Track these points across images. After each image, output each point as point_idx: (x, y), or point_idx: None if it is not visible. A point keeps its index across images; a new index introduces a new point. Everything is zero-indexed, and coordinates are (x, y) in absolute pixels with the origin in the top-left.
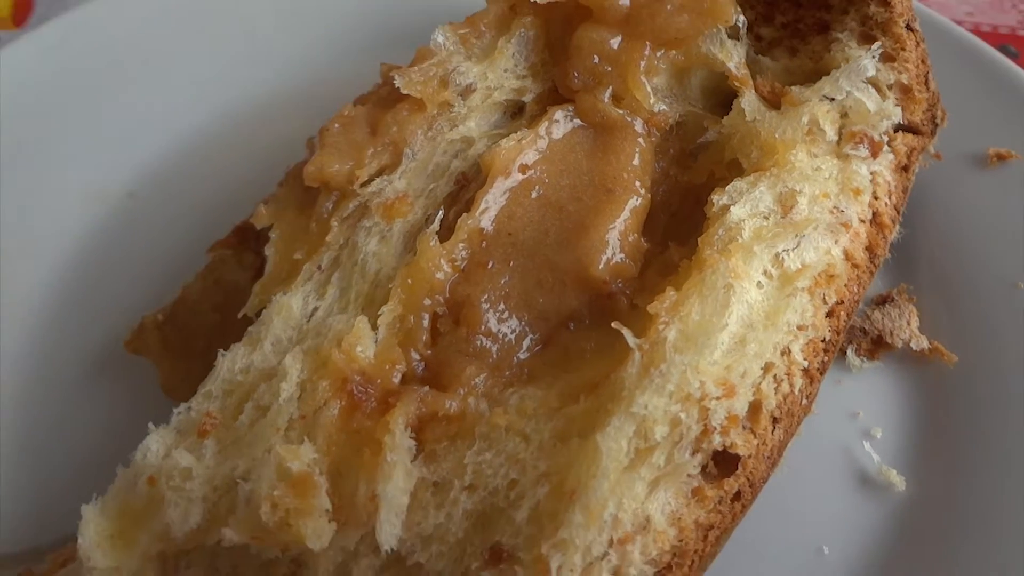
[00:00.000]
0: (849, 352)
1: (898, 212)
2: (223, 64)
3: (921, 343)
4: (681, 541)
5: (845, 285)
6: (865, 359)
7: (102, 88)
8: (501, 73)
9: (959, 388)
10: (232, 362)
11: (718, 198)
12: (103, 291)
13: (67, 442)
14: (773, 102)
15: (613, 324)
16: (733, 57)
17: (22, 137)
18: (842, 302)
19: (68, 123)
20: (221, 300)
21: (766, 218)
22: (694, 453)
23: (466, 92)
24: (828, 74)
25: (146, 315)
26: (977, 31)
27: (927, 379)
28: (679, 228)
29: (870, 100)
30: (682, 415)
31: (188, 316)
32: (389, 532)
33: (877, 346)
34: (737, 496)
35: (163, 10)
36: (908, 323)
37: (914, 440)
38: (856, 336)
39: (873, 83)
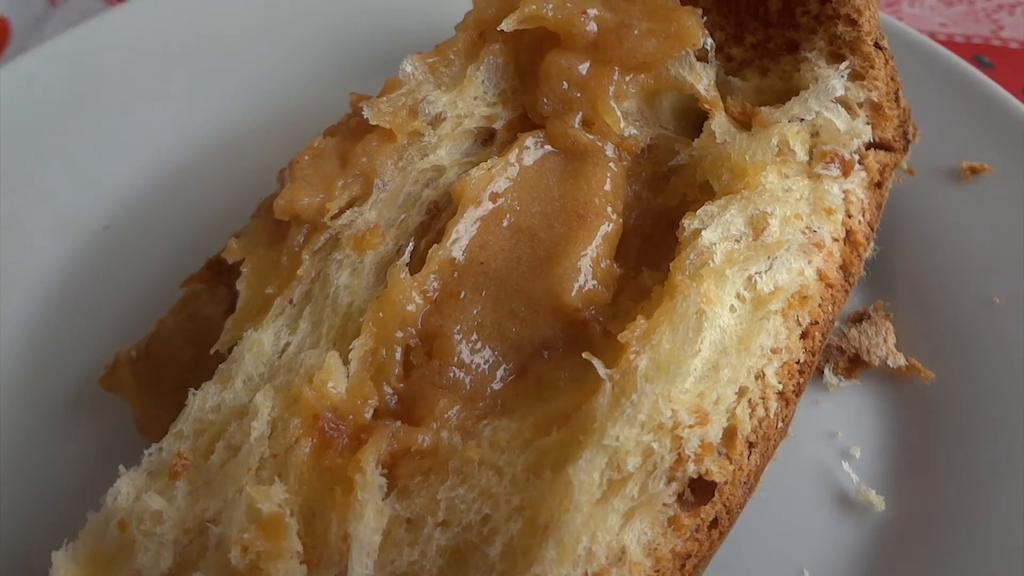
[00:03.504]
0: (826, 371)
1: (872, 229)
2: (195, 96)
3: (898, 360)
4: (658, 571)
5: (819, 306)
6: (842, 378)
7: (76, 121)
8: (471, 101)
9: (937, 405)
10: (203, 400)
11: (689, 223)
12: (76, 326)
13: (40, 483)
14: (744, 123)
15: (584, 355)
16: (702, 80)
17: None
18: (816, 323)
19: (42, 156)
20: (195, 335)
21: (737, 241)
22: (669, 482)
23: (436, 121)
24: (799, 93)
25: (120, 351)
26: (951, 42)
27: (905, 396)
28: (653, 252)
29: (840, 119)
30: (654, 445)
31: (162, 351)
32: (361, 573)
33: (854, 364)
34: (714, 523)
35: (135, 43)
36: (885, 340)
37: (893, 459)
38: (833, 355)
39: (843, 102)
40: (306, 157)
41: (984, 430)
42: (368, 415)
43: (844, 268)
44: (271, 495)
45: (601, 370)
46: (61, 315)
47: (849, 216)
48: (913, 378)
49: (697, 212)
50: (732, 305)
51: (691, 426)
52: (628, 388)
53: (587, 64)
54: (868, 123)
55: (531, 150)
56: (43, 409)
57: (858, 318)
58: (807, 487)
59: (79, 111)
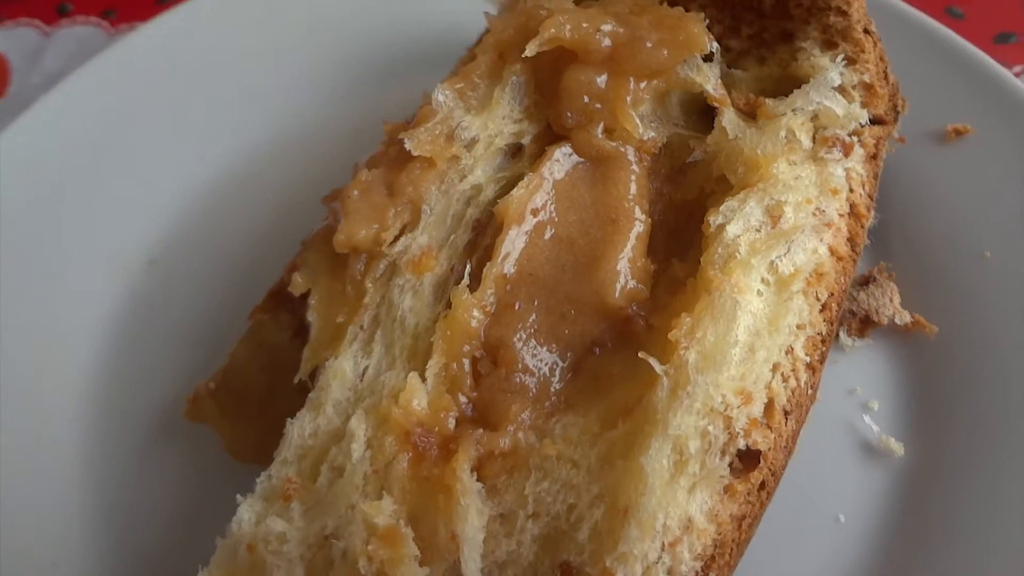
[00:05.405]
0: (841, 334)
1: (872, 199)
2: (223, 119)
3: (904, 318)
4: (720, 534)
5: (835, 280)
6: (856, 338)
7: (105, 158)
8: (499, 121)
9: (942, 355)
10: (301, 428)
11: (714, 219)
12: (146, 365)
13: (147, 517)
14: (750, 113)
15: (640, 354)
16: (710, 79)
17: (34, 219)
18: (832, 294)
19: (76, 197)
20: (266, 362)
21: (758, 230)
22: (722, 456)
23: (470, 144)
24: (797, 79)
25: (199, 384)
26: None
27: (913, 350)
28: (678, 242)
29: (838, 106)
30: (710, 428)
31: (238, 381)
32: (473, 568)
33: (865, 324)
34: (762, 486)
35: (155, 72)
36: (891, 300)
37: (908, 408)
38: (846, 318)
39: (839, 88)
40: (355, 192)
41: (987, 373)
42: (451, 425)
43: (851, 240)
44: (383, 509)
45: (657, 367)
46: (128, 355)
47: (851, 191)
48: (919, 332)
49: (720, 208)
50: (759, 290)
51: (739, 407)
52: (682, 380)
53: (604, 77)
54: (863, 104)
55: (561, 162)
56: (134, 448)
57: (864, 281)
58: (834, 441)
59: (104, 149)
